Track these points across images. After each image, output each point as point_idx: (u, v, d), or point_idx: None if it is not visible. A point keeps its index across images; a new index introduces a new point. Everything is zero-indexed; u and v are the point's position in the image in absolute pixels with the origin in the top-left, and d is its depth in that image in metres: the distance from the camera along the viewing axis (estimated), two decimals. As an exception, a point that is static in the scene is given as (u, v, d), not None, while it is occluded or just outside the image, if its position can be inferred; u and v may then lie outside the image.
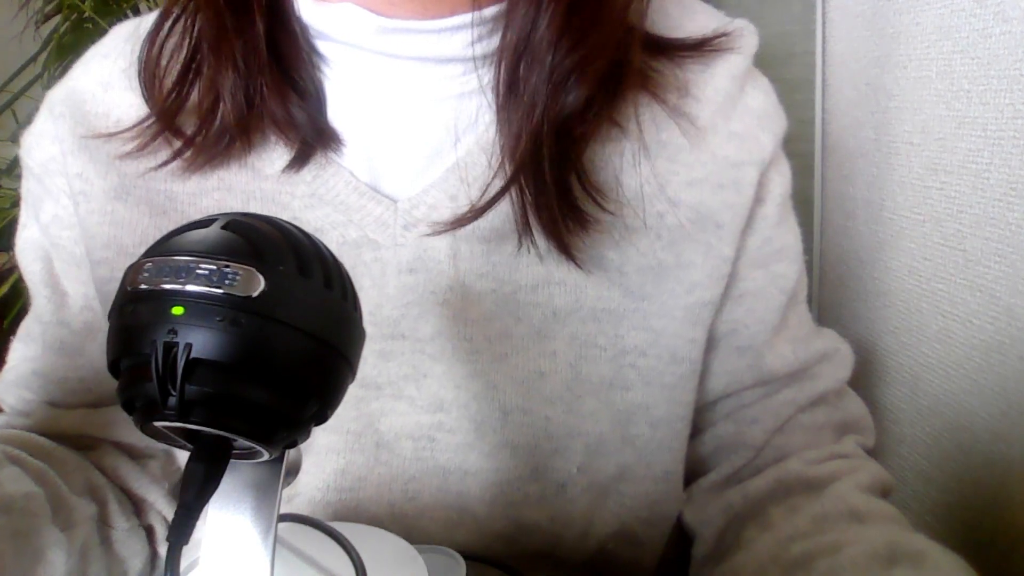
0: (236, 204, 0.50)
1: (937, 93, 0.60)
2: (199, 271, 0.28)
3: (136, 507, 0.57)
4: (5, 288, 1.39)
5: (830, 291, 0.79)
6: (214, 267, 0.28)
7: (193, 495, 0.29)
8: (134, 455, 0.58)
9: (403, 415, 0.51)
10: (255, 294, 0.28)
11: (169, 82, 0.50)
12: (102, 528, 0.52)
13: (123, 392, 0.30)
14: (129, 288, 0.29)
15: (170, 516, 0.58)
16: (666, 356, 0.53)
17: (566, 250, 0.49)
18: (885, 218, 0.69)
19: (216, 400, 0.28)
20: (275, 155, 0.50)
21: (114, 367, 0.30)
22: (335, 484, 0.51)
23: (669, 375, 0.54)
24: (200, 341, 0.28)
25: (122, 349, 0.29)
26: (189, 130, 0.49)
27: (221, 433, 0.29)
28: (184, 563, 0.30)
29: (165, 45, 0.50)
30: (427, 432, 0.51)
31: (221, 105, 0.48)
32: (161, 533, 0.58)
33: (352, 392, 0.47)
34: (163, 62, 0.50)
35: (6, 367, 0.57)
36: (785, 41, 0.79)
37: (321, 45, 0.50)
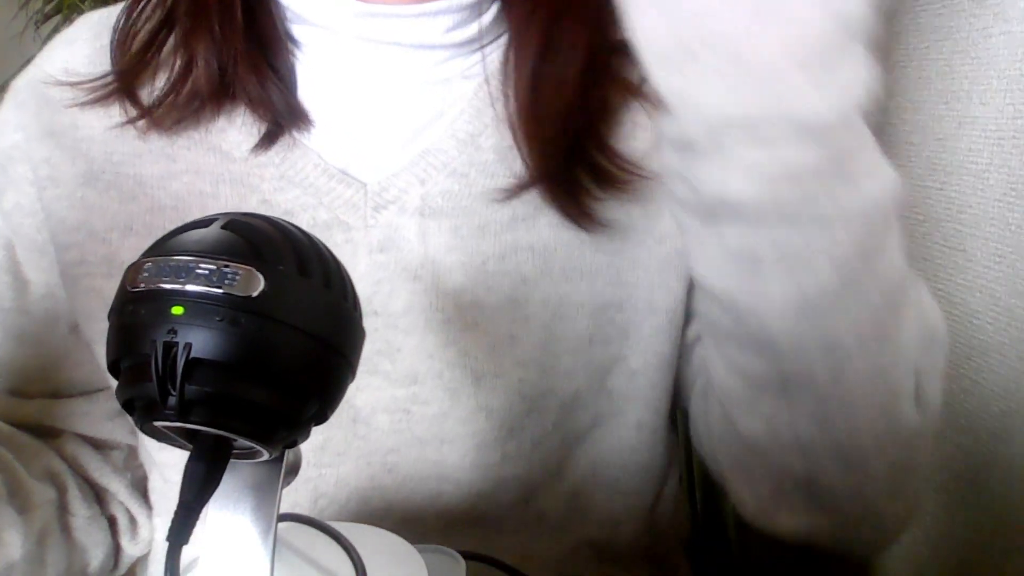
0: (206, 187, 0.51)
1: (937, 93, 0.60)
2: (199, 271, 0.28)
3: (98, 496, 0.57)
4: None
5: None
6: (214, 267, 0.28)
7: (193, 495, 0.29)
8: (96, 446, 0.58)
9: (378, 390, 0.52)
10: (255, 294, 0.28)
11: (137, 46, 0.51)
12: (62, 515, 0.52)
13: (123, 392, 0.30)
14: (129, 288, 0.29)
15: (133, 508, 0.58)
16: (643, 308, 0.54)
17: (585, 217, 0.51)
18: (885, 218, 0.69)
19: (216, 400, 0.28)
20: (243, 136, 0.51)
21: (114, 367, 0.30)
22: (315, 460, 0.52)
23: (647, 327, 0.54)
24: (200, 341, 0.28)
25: (122, 349, 0.29)
26: (145, 98, 0.50)
27: (221, 433, 0.29)
28: (184, 563, 0.30)
29: (140, 15, 0.51)
30: (402, 405, 0.52)
31: (194, 69, 0.49)
32: (124, 524, 0.58)
33: None
34: (134, 30, 0.51)
35: None
36: (785, 41, 0.78)
37: (296, 29, 0.51)
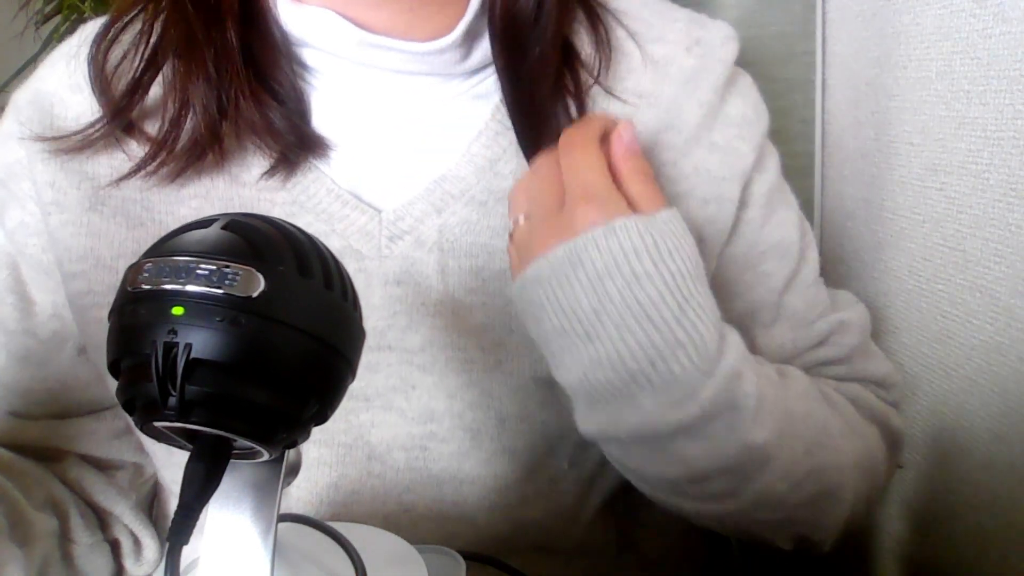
0: (214, 212, 0.49)
1: (937, 93, 0.60)
2: (199, 271, 0.28)
3: (101, 521, 0.55)
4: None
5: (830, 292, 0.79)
6: (214, 267, 0.28)
7: (193, 495, 0.29)
8: (101, 466, 0.56)
9: (394, 426, 0.50)
10: (255, 294, 0.28)
11: (122, 83, 0.48)
12: (63, 543, 0.51)
13: (123, 392, 0.30)
14: (129, 288, 0.29)
15: (137, 530, 0.57)
16: None
17: None
18: (885, 218, 0.69)
19: (216, 400, 0.28)
20: (253, 161, 0.49)
21: (114, 367, 0.30)
22: (328, 498, 0.51)
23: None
24: (200, 341, 0.28)
25: (122, 349, 0.29)
26: (150, 130, 0.48)
27: (221, 433, 0.29)
28: (184, 563, 0.30)
29: (114, 47, 0.49)
30: (419, 442, 0.51)
31: (191, 116, 0.47)
32: (127, 548, 0.57)
33: (341, 404, 0.48)
34: (112, 61, 0.49)
35: None
36: (785, 41, 0.79)
37: (305, 53, 0.50)
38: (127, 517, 0.56)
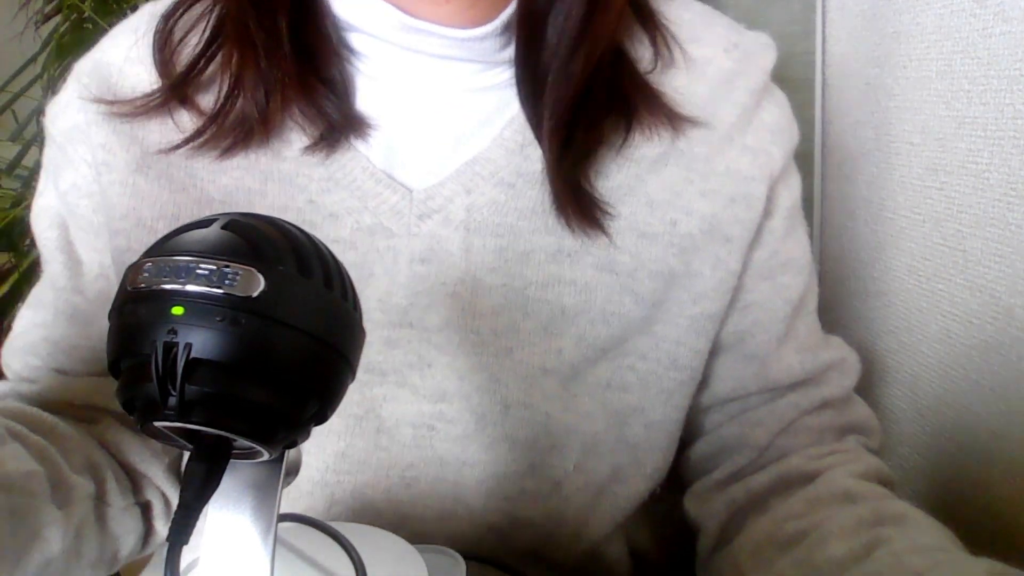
0: (254, 184, 0.51)
1: (937, 93, 0.60)
2: (199, 271, 0.28)
3: (134, 483, 0.57)
4: (5, 288, 1.39)
5: (830, 291, 0.79)
6: (214, 267, 0.28)
7: (193, 495, 0.29)
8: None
9: (405, 403, 0.51)
10: (255, 294, 0.28)
11: (183, 58, 0.51)
12: (99, 505, 0.53)
13: (123, 392, 0.30)
14: (129, 288, 0.29)
15: (168, 492, 0.58)
16: (666, 361, 0.54)
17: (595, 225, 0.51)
18: (885, 218, 0.69)
19: (216, 400, 0.28)
20: (295, 137, 0.51)
21: (114, 367, 0.30)
22: (334, 466, 0.51)
23: (668, 380, 0.54)
24: (200, 341, 0.28)
25: (122, 349, 0.29)
26: (203, 104, 0.50)
27: (221, 433, 0.29)
28: (184, 563, 0.30)
29: (179, 23, 0.52)
30: (427, 421, 0.51)
31: (241, 97, 0.49)
32: (159, 509, 0.58)
33: (357, 376, 0.49)
34: (176, 36, 0.51)
35: (13, 333, 0.57)
36: (785, 41, 0.78)
37: (353, 37, 0.51)
38: (159, 479, 0.57)
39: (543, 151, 0.50)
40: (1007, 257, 0.54)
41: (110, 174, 0.52)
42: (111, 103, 0.51)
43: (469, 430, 0.51)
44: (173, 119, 0.51)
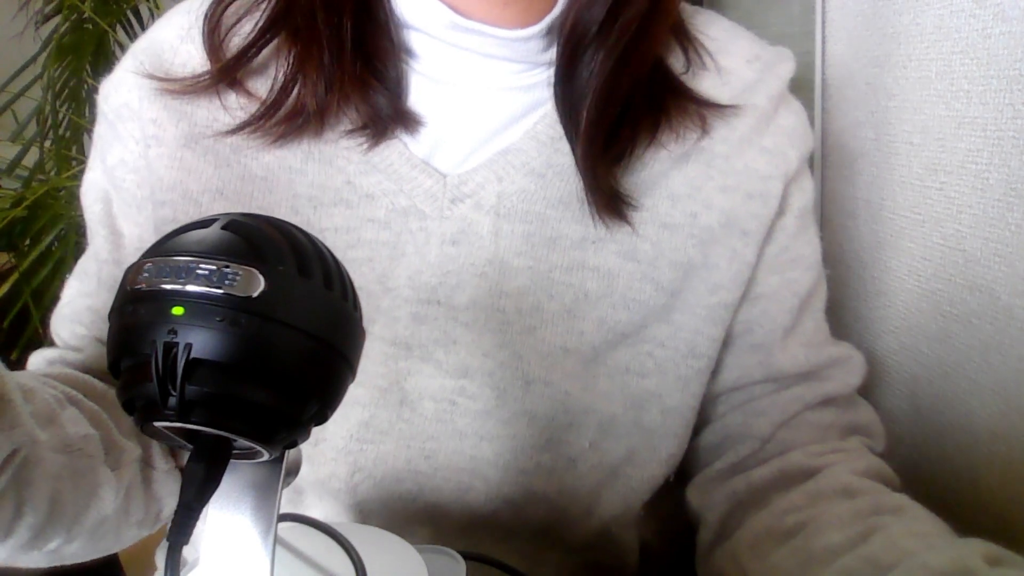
0: (295, 163, 0.53)
1: (937, 93, 0.60)
2: (199, 271, 0.28)
3: (173, 449, 0.58)
4: (5, 288, 1.39)
5: (830, 291, 0.79)
6: (214, 267, 0.28)
7: (193, 495, 0.29)
8: None
9: (429, 377, 0.53)
10: (255, 294, 0.28)
11: (234, 43, 0.53)
12: (144, 468, 0.54)
13: (123, 392, 0.30)
14: (129, 288, 0.29)
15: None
16: (684, 349, 0.56)
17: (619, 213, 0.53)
18: (885, 218, 0.69)
19: (216, 400, 0.28)
20: (339, 120, 0.53)
21: (114, 367, 0.30)
22: (358, 435, 0.53)
23: (685, 367, 0.56)
24: (200, 341, 0.28)
25: (122, 349, 0.29)
26: (252, 88, 0.52)
27: (221, 433, 0.29)
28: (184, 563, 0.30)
29: (231, 6, 0.53)
30: (449, 396, 0.53)
31: (298, 88, 0.51)
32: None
33: (382, 350, 0.53)
34: (228, 22, 0.53)
35: (61, 302, 0.58)
36: (785, 41, 0.78)
37: (412, 37, 0.53)
38: None
39: (574, 149, 0.52)
40: (1007, 257, 0.54)
41: (159, 147, 0.53)
42: (162, 79, 0.53)
43: (490, 406, 0.53)
44: (221, 99, 0.53)
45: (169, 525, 0.29)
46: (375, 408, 0.53)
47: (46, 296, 1.38)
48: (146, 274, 0.29)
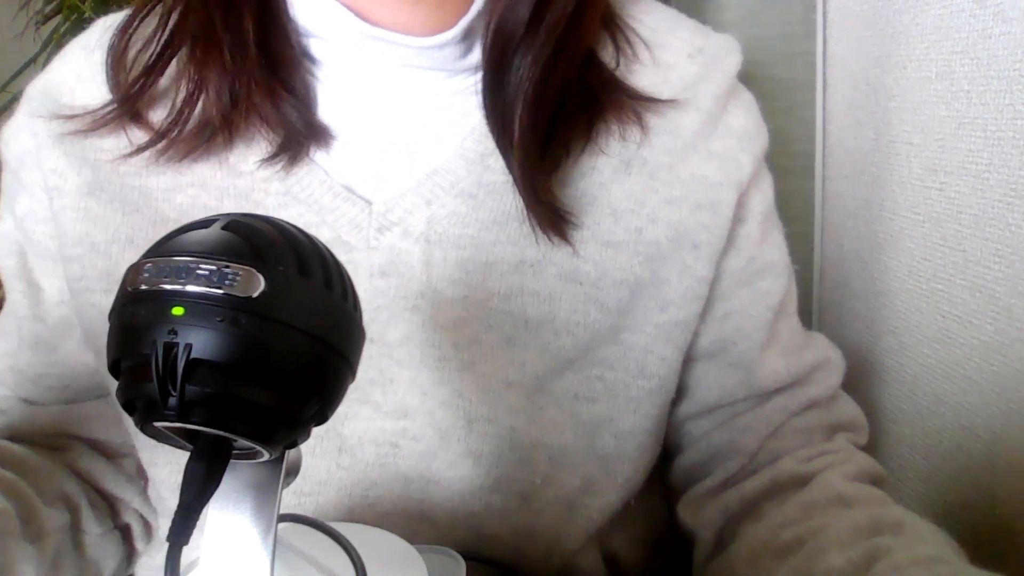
0: (210, 201, 0.50)
1: (937, 93, 0.60)
2: (199, 271, 0.28)
3: (112, 508, 0.56)
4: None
5: (830, 291, 0.79)
6: (214, 267, 0.28)
7: (193, 495, 0.29)
8: (109, 454, 0.57)
9: (367, 420, 0.50)
10: (255, 294, 0.28)
11: (136, 71, 0.49)
12: (75, 534, 0.52)
13: (123, 392, 0.30)
14: (129, 288, 0.29)
15: (147, 514, 0.58)
16: (634, 370, 0.53)
17: (560, 233, 0.50)
18: (885, 218, 0.69)
19: (216, 400, 0.28)
20: (252, 152, 0.50)
21: (114, 367, 0.30)
22: (295, 487, 0.50)
23: (636, 389, 0.53)
24: (200, 341, 0.28)
25: (122, 349, 0.29)
26: (155, 119, 0.49)
27: (221, 433, 0.29)
28: (184, 563, 0.30)
29: (135, 35, 0.50)
30: (390, 438, 0.50)
31: (203, 99, 0.48)
32: (138, 531, 0.58)
33: None
34: (132, 52, 0.50)
35: None
36: (785, 41, 0.79)
37: (313, 44, 0.50)
38: (136, 502, 0.56)
39: (508, 162, 0.49)
40: (1007, 257, 0.54)
41: (61, 199, 0.50)
42: (60, 118, 0.50)
43: (433, 446, 0.50)
44: (128, 136, 0.49)
45: (169, 525, 0.29)
46: (311, 458, 0.50)
47: None
48: (146, 274, 0.29)
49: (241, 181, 0.50)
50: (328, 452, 0.50)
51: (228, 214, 0.31)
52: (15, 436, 0.52)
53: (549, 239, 0.50)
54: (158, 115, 0.49)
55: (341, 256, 0.48)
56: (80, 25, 1.57)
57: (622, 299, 0.51)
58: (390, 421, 0.50)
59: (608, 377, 0.53)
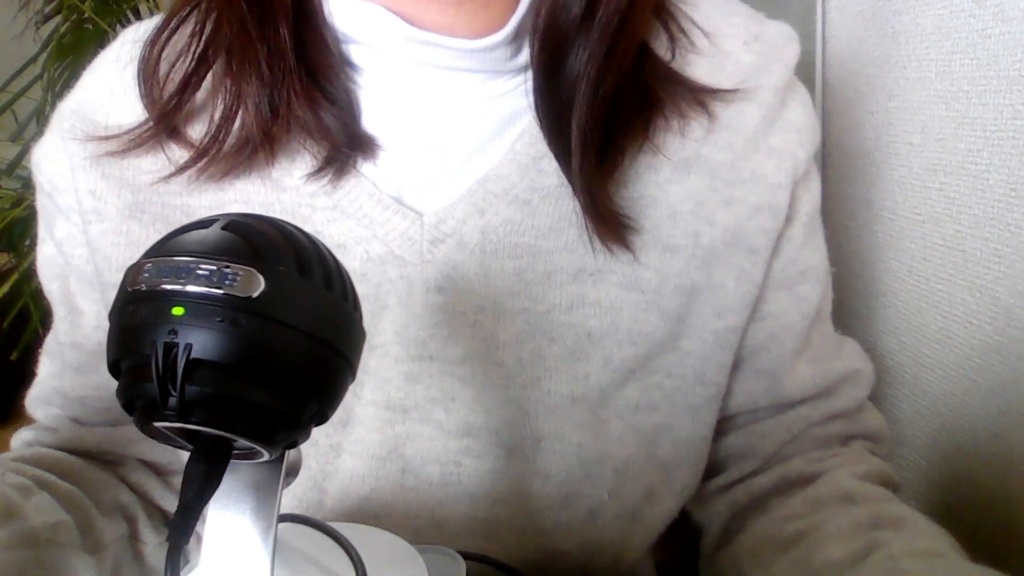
0: None
1: (937, 93, 0.60)
2: (199, 271, 0.28)
3: (166, 519, 0.56)
4: (5, 288, 1.39)
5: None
6: (214, 267, 0.28)
7: (193, 495, 0.29)
8: (159, 471, 0.57)
9: (430, 439, 0.49)
10: (255, 295, 0.28)
11: (171, 86, 0.47)
12: (134, 544, 0.52)
13: (123, 393, 0.30)
14: (129, 288, 0.29)
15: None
16: (692, 377, 0.52)
17: (621, 242, 0.48)
18: (885, 218, 0.69)
19: (216, 400, 0.28)
20: (296, 166, 0.48)
21: (114, 368, 0.30)
22: (360, 511, 0.49)
23: (694, 396, 0.52)
24: (200, 341, 0.28)
25: (122, 350, 0.29)
26: (194, 135, 0.47)
27: (221, 433, 0.29)
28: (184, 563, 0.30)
29: (167, 48, 0.48)
30: (454, 457, 0.49)
31: (242, 113, 0.46)
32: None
33: (377, 415, 0.48)
34: (164, 65, 0.48)
35: (35, 381, 0.56)
36: (785, 41, 0.79)
37: (353, 51, 0.48)
38: None
39: (563, 166, 0.47)
40: (1007, 257, 0.54)
41: (101, 223, 0.49)
42: (96, 139, 0.48)
43: (498, 465, 0.49)
44: (166, 155, 0.48)
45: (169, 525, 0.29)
46: (376, 481, 0.48)
47: (46, 296, 1.39)
48: (146, 274, 0.29)
49: (286, 196, 0.48)
50: (392, 474, 0.49)
51: (228, 214, 0.30)
52: (68, 451, 0.52)
53: (595, 246, 0.48)
54: (196, 131, 0.47)
55: (395, 272, 0.48)
56: (80, 26, 1.57)
57: (681, 305, 0.50)
58: (453, 440, 0.49)
59: (667, 385, 0.51)
